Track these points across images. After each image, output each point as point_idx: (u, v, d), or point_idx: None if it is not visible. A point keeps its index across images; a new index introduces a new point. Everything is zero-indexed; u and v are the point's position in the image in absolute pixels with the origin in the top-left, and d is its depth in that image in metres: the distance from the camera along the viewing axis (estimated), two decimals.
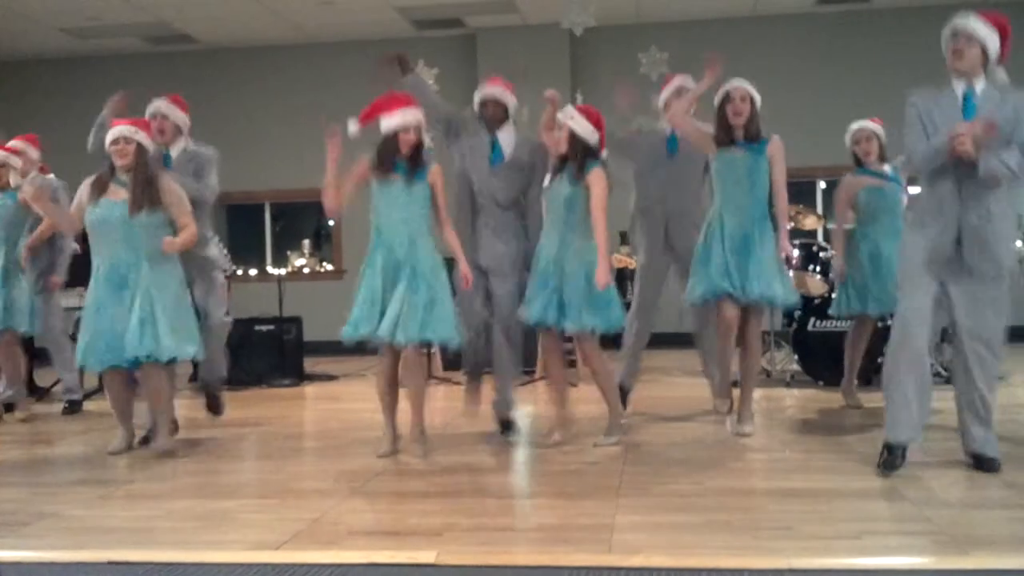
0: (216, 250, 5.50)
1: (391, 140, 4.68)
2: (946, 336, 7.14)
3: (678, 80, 5.49)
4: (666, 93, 5.50)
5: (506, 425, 5.17)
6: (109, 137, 4.85)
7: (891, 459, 3.96)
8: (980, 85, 3.95)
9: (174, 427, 5.20)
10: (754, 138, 4.88)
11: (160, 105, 5.31)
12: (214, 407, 5.81)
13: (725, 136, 4.90)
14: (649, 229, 5.47)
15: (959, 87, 3.98)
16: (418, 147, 4.71)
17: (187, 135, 5.44)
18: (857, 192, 5.77)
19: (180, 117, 5.38)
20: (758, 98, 4.93)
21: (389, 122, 4.68)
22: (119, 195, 4.82)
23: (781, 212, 4.93)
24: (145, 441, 5.14)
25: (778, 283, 4.85)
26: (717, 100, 4.93)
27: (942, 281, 3.95)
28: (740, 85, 4.90)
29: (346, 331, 4.65)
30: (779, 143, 4.92)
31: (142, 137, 4.87)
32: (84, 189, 4.92)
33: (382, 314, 4.56)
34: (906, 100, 4.04)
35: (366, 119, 4.71)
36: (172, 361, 4.90)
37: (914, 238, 4.01)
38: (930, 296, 3.94)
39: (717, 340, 5.09)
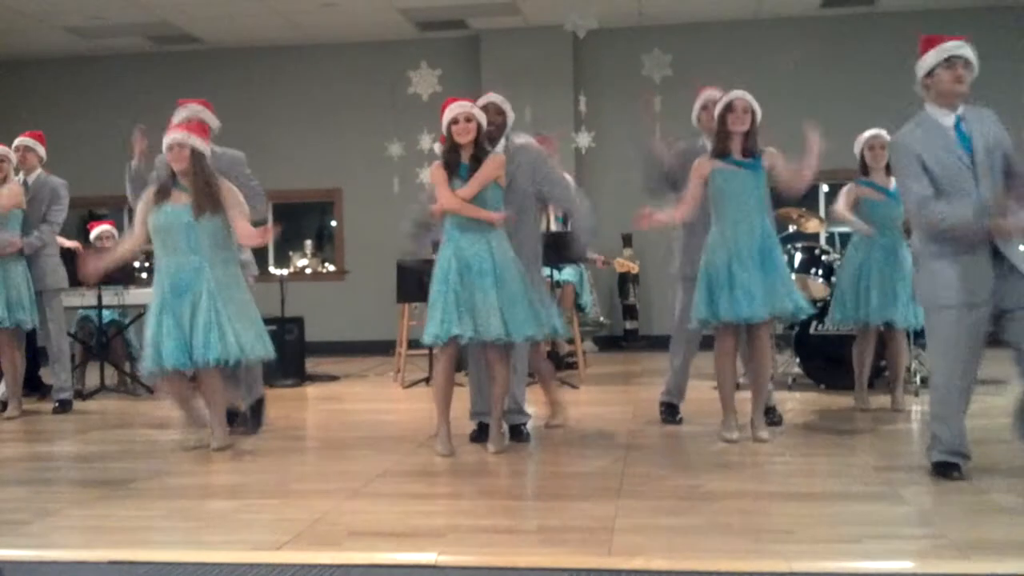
0: (248, 254, 5.51)
1: (450, 138, 4.71)
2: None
3: (706, 93, 5.38)
4: (697, 107, 5.44)
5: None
6: (164, 144, 4.94)
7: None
8: (960, 109, 3.92)
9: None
10: (750, 153, 4.85)
11: (196, 109, 5.37)
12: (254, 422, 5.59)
13: (722, 147, 4.86)
14: (698, 241, 5.21)
15: (944, 116, 3.91)
16: (478, 142, 4.69)
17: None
18: (859, 200, 5.78)
19: (214, 121, 5.47)
20: (759, 112, 4.90)
21: (444, 121, 4.72)
22: (181, 199, 4.89)
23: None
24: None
25: (798, 294, 4.86)
26: (718, 109, 4.88)
27: (993, 308, 3.83)
28: (743, 96, 4.85)
29: (431, 334, 4.60)
30: (774, 151, 4.90)
31: (195, 141, 4.94)
32: (146, 199, 4.99)
33: (465, 315, 4.56)
34: (893, 146, 3.97)
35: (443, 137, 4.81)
36: (237, 364, 4.96)
37: (944, 272, 3.84)
38: (973, 366, 3.87)
39: (720, 366, 4.98)
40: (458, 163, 4.70)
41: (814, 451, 4.73)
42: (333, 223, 12.16)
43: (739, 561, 2.94)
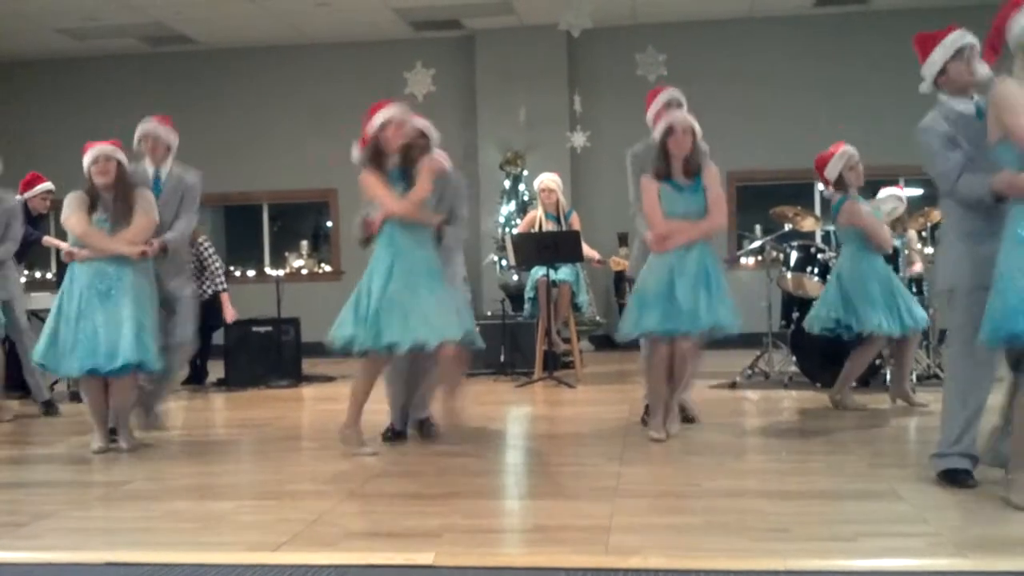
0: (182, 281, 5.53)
1: (376, 144, 4.67)
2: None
3: (666, 94, 5.37)
4: (654, 108, 5.38)
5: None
6: (89, 157, 4.99)
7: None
8: (976, 98, 3.85)
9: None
10: (693, 173, 4.88)
11: (150, 127, 5.35)
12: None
13: (665, 169, 4.90)
14: None
15: (963, 103, 3.84)
16: (410, 148, 4.68)
17: (173, 155, 5.46)
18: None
19: (170, 138, 5.42)
20: (699, 131, 4.91)
21: (371, 126, 4.69)
22: (101, 212, 4.99)
23: (701, 229, 4.86)
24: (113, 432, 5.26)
25: (729, 311, 4.85)
26: (659, 132, 4.92)
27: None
28: (683, 119, 4.88)
29: (336, 336, 4.67)
30: (712, 170, 4.92)
31: (121, 156, 5.03)
32: (74, 202, 5.00)
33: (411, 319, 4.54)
34: (921, 132, 3.86)
35: (364, 140, 4.73)
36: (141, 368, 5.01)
37: (961, 255, 3.78)
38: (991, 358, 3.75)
39: (651, 372, 5.05)
40: (387, 167, 4.68)
41: (809, 449, 4.74)
42: (329, 223, 12.16)
43: (735, 559, 2.94)
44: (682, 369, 4.99)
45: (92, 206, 4.99)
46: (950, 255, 3.89)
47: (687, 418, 5.42)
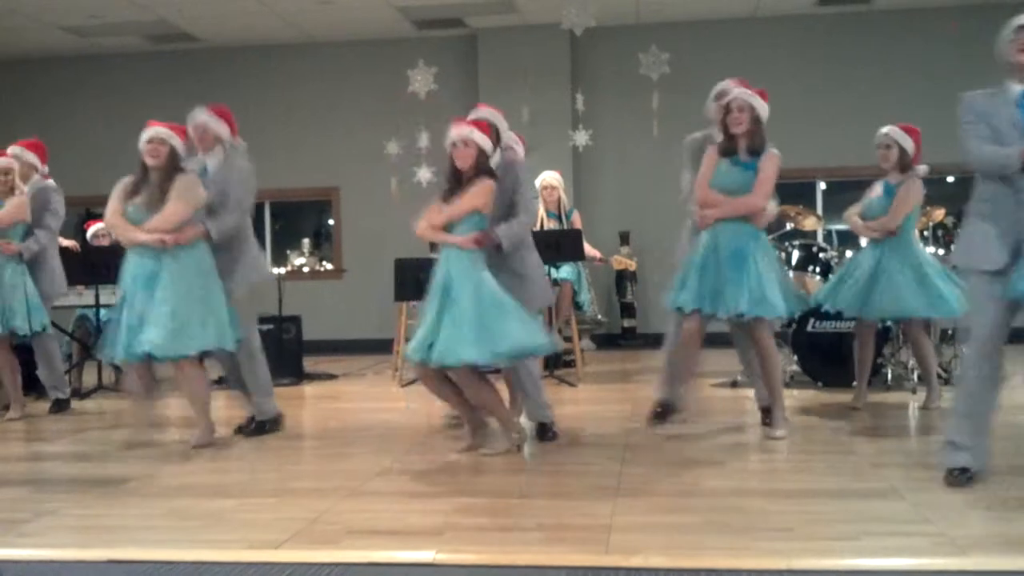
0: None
1: (450, 162, 4.67)
2: (945, 337, 7.15)
3: (715, 90, 5.30)
4: (709, 104, 5.32)
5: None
6: (144, 136, 4.96)
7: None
8: None
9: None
10: (754, 152, 4.85)
11: (198, 116, 5.27)
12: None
13: (727, 146, 4.88)
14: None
15: (1014, 87, 3.76)
16: (480, 168, 4.61)
17: (227, 143, 5.34)
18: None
19: (220, 128, 5.30)
20: (762, 109, 4.87)
21: (446, 144, 4.69)
22: (144, 196, 4.97)
23: (737, 205, 4.82)
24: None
25: (775, 295, 4.77)
26: (721, 111, 4.92)
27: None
28: (739, 96, 4.86)
29: (410, 354, 4.62)
30: (772, 155, 4.86)
31: (176, 142, 4.99)
32: (116, 188, 5.02)
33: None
34: (960, 101, 3.81)
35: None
36: (205, 354, 5.05)
37: (977, 234, 3.75)
38: (992, 316, 3.70)
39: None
40: (452, 190, 4.65)
41: (812, 448, 4.74)
42: (331, 221, 12.16)
43: (737, 559, 2.94)
44: (761, 363, 4.97)
45: (137, 190, 4.97)
46: (962, 233, 3.92)
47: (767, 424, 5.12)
